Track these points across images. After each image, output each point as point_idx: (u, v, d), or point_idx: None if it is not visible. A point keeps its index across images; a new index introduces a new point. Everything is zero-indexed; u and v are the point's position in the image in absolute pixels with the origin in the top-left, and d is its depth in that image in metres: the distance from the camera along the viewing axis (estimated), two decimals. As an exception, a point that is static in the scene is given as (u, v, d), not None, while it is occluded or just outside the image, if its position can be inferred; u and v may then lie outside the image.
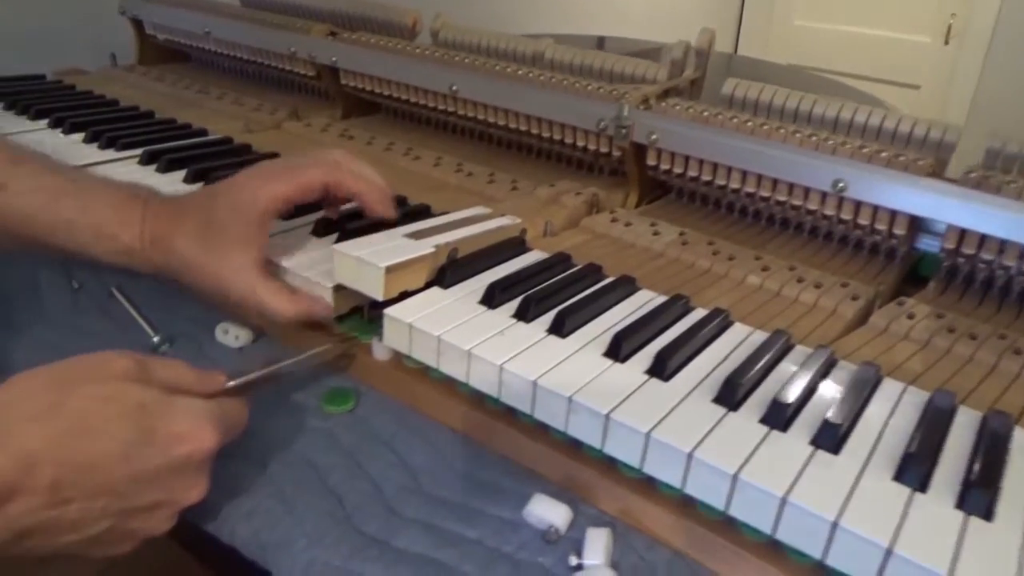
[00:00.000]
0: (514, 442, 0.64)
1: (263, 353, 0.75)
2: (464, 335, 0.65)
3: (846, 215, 0.88)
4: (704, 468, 0.53)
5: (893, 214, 0.87)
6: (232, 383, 0.58)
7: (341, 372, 0.73)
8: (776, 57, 3.94)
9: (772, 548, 0.54)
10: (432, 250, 0.73)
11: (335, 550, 0.55)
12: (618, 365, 0.63)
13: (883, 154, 0.87)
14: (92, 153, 1.04)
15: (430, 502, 0.60)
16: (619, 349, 0.64)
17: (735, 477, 0.51)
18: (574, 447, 0.62)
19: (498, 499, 0.61)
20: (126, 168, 0.99)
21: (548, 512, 0.59)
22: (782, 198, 0.92)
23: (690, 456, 0.54)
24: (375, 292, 0.69)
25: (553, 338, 0.67)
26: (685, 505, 0.58)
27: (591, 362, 0.63)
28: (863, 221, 0.88)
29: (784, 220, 0.96)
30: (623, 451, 0.57)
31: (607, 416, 0.57)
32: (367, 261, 0.68)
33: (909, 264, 0.92)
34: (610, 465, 0.61)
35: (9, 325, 0.77)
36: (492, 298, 0.71)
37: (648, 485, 0.59)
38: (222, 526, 0.57)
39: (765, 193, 0.93)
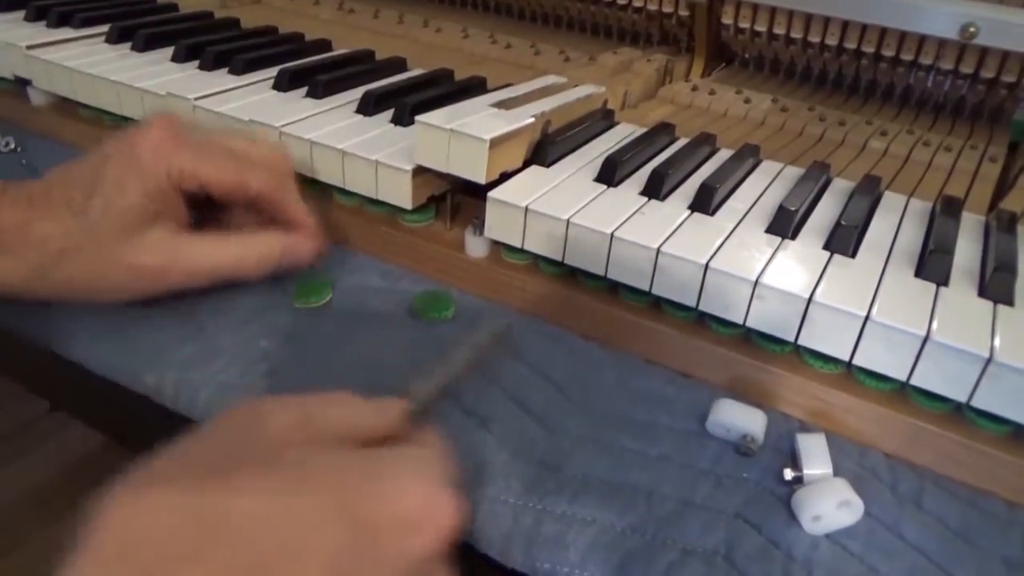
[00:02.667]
0: (667, 343, 0.56)
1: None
2: (597, 218, 0.56)
3: (967, 68, 0.82)
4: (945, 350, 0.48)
5: None
6: (413, 406, 0.43)
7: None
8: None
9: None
10: (531, 120, 0.63)
11: (505, 487, 0.47)
12: (789, 241, 0.57)
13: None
14: (42, 33, 0.89)
15: (592, 418, 0.52)
16: (787, 225, 0.58)
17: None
18: (743, 341, 0.55)
19: (670, 409, 0.53)
20: (89, 47, 0.85)
21: (739, 419, 0.51)
22: (889, 53, 0.85)
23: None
24: (475, 173, 0.59)
25: (699, 215, 0.59)
26: (892, 398, 0.52)
27: (756, 239, 0.57)
28: (987, 74, 0.82)
29: (871, 85, 0.89)
30: (828, 343, 0.51)
31: (809, 301, 0.51)
32: (466, 134, 0.58)
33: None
34: (798, 358, 0.54)
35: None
36: (612, 174, 0.63)
37: (846, 378, 0.53)
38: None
39: (869, 48, 0.86)
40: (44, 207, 0.51)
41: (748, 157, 0.68)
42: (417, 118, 0.60)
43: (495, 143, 0.58)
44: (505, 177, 0.61)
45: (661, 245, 0.54)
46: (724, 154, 0.71)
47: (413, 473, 0.34)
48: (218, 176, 0.54)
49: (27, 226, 0.50)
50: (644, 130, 0.72)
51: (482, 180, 0.59)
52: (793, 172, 0.69)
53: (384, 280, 0.63)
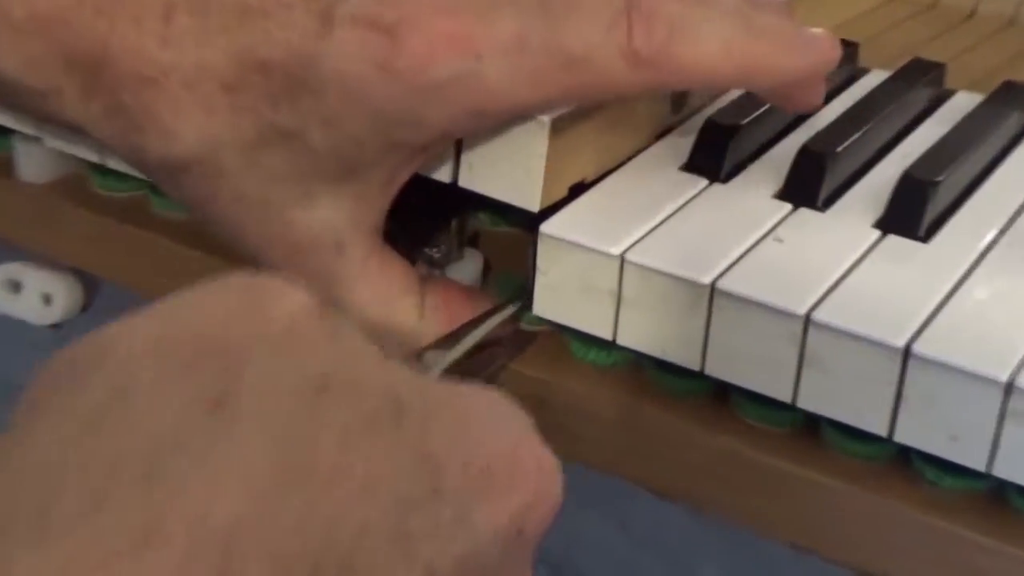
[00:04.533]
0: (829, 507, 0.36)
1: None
2: (788, 279, 0.34)
3: None
4: None
5: None
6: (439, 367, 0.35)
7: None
8: None
9: None
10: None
11: None
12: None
13: None
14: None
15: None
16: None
17: None
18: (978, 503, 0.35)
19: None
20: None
21: None
22: None
23: None
24: (517, 189, 0.36)
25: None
26: None
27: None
28: None
29: None
30: None
31: None
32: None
33: None
34: None
35: None
36: (814, 183, 0.38)
37: None
38: None
39: None
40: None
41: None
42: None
43: (564, 126, 0.34)
44: (579, 190, 0.38)
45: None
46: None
47: (502, 414, 0.26)
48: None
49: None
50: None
51: (535, 205, 0.36)
52: None
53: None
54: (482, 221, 0.43)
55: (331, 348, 0.24)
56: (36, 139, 0.41)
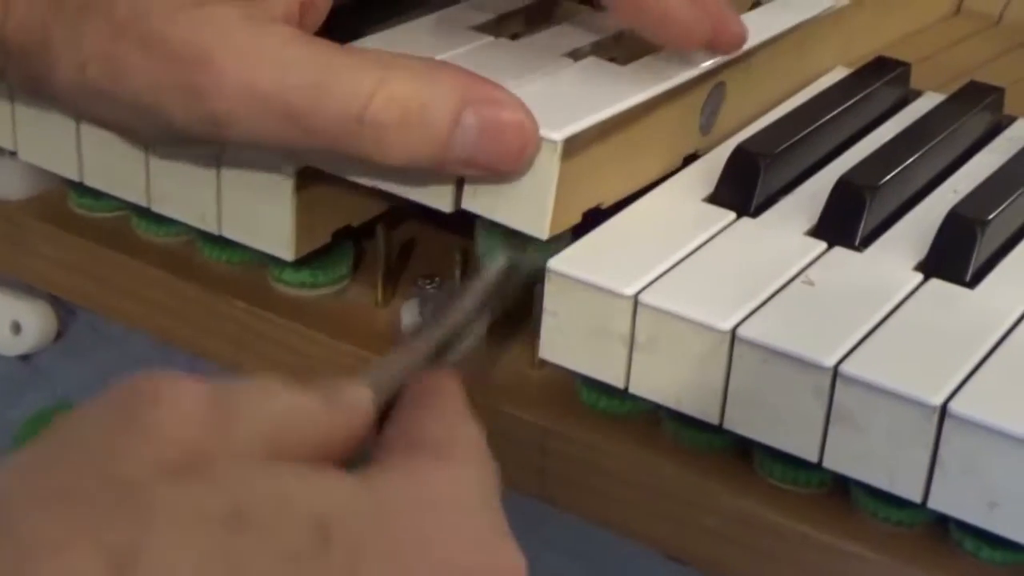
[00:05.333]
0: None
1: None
2: (815, 330, 0.31)
3: None
4: None
5: None
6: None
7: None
8: None
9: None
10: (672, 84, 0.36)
11: None
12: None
13: None
14: None
15: None
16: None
17: None
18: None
19: None
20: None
21: None
22: None
23: None
24: (525, 215, 0.34)
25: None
26: None
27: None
28: None
29: None
30: None
31: None
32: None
33: None
34: None
35: None
36: (852, 220, 0.35)
37: None
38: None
39: None
40: None
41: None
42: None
43: (578, 146, 0.33)
44: (591, 222, 0.35)
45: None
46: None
47: (454, 523, 0.24)
48: None
49: None
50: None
51: (544, 232, 0.33)
52: None
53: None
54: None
55: (239, 469, 0.22)
56: (11, 153, 0.40)
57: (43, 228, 0.41)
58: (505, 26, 0.40)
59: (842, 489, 0.32)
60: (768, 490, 0.33)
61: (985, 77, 0.44)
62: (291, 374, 0.37)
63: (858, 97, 0.40)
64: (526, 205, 0.33)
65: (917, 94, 0.43)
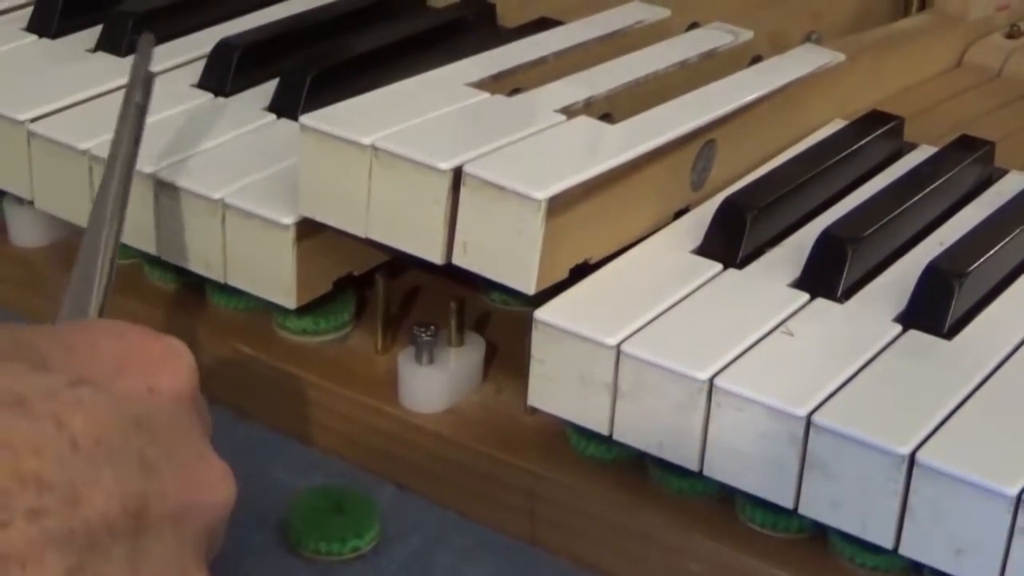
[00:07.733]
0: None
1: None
2: (800, 384, 0.31)
3: None
4: None
5: None
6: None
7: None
8: None
9: None
10: (666, 140, 0.36)
11: None
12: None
13: None
14: None
15: None
16: None
17: None
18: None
19: None
20: None
21: None
22: None
23: None
24: (511, 271, 0.34)
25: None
26: None
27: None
28: None
29: None
30: None
31: None
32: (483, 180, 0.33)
33: None
34: None
35: None
36: (835, 274, 0.35)
37: None
38: None
39: None
40: None
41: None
42: (303, 119, 0.35)
43: (563, 204, 0.33)
44: (577, 276, 0.35)
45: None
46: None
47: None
48: None
49: None
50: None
51: (530, 288, 0.34)
52: None
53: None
54: (493, 300, 0.41)
55: None
56: (28, 203, 0.40)
57: (59, 274, 0.40)
58: (503, 82, 0.39)
59: (821, 535, 0.32)
60: (750, 535, 0.32)
61: (982, 130, 0.44)
62: (293, 418, 0.39)
63: (849, 150, 0.40)
64: (512, 262, 0.33)
65: (912, 147, 0.43)
